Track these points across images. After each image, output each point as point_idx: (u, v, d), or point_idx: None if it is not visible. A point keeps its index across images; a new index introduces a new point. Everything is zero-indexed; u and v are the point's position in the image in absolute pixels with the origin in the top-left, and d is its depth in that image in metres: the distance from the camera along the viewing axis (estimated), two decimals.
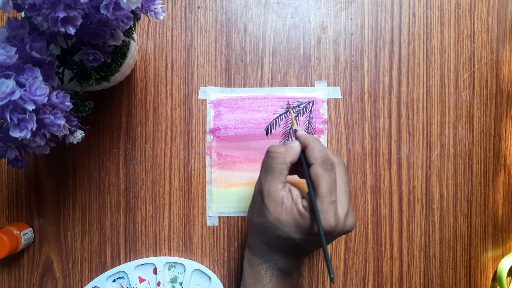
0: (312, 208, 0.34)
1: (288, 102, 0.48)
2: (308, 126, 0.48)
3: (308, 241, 0.36)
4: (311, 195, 0.35)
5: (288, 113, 0.48)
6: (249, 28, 0.48)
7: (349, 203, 0.36)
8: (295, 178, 0.42)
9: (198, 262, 0.47)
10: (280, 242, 0.37)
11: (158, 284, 0.46)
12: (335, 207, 0.34)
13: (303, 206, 0.35)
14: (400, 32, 0.49)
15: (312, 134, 0.48)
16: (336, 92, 0.48)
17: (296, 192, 0.37)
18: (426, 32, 0.49)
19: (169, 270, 0.47)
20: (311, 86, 0.48)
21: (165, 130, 0.47)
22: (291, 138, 0.48)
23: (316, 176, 0.35)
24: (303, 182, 0.42)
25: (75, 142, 0.35)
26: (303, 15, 0.48)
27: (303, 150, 0.38)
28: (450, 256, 0.48)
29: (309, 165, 0.37)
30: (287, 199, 0.36)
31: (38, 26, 0.28)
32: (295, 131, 0.41)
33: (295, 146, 0.38)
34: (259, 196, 0.37)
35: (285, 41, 0.48)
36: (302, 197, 0.36)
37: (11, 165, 0.34)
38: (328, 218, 0.34)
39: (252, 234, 0.40)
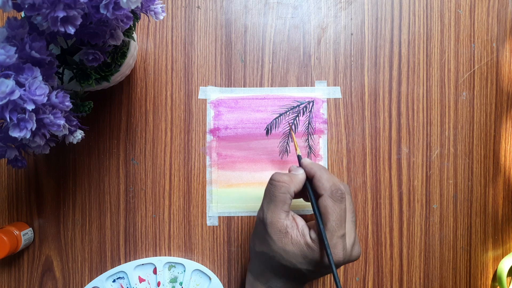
0: (321, 242, 0.34)
1: (289, 124, 0.47)
2: (308, 126, 0.48)
3: (315, 272, 0.35)
4: (320, 229, 0.34)
5: (287, 113, 0.48)
6: (249, 28, 0.48)
7: (355, 233, 0.36)
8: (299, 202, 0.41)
9: (198, 262, 0.47)
10: (285, 270, 0.36)
11: (158, 284, 0.46)
12: (344, 241, 0.34)
13: (311, 238, 0.34)
14: (400, 32, 0.49)
15: (312, 134, 0.48)
16: (336, 92, 0.48)
17: (301, 222, 0.36)
18: (426, 32, 0.49)
19: (169, 270, 0.47)
20: (311, 86, 0.48)
21: (165, 130, 0.47)
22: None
23: (325, 208, 0.34)
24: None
25: (75, 142, 0.35)
26: (303, 15, 0.48)
27: (309, 179, 0.37)
28: (450, 256, 0.48)
29: (317, 196, 0.36)
30: (291, 229, 0.35)
31: (37, 26, 0.28)
32: (299, 157, 0.40)
33: (300, 175, 0.37)
34: (262, 225, 0.36)
35: (285, 41, 0.48)
36: (309, 228, 0.35)
37: (11, 165, 0.34)
38: (337, 252, 0.33)
39: (255, 260, 0.40)
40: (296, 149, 0.42)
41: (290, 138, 0.48)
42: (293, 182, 0.36)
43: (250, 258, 0.41)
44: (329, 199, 0.34)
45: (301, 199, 0.41)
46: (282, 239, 0.35)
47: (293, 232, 0.35)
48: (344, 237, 0.34)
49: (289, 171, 0.39)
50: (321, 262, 0.34)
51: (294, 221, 0.36)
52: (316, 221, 0.35)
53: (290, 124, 0.47)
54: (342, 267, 0.48)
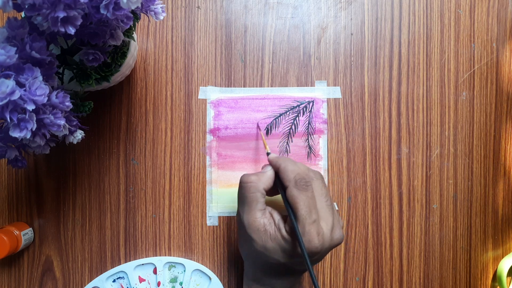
0: (294, 232, 0.34)
1: (257, 124, 0.47)
2: (308, 126, 0.48)
3: (297, 263, 0.36)
4: (291, 219, 0.34)
5: (287, 113, 0.48)
6: (249, 28, 0.48)
7: (333, 216, 0.35)
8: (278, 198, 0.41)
9: (198, 262, 0.47)
10: (272, 267, 0.36)
11: (158, 284, 0.46)
12: (318, 226, 0.34)
13: (286, 230, 0.35)
14: (400, 32, 0.49)
15: (312, 134, 0.48)
16: (336, 92, 0.48)
17: (277, 216, 0.36)
18: (426, 32, 0.49)
19: (169, 270, 0.47)
20: (311, 86, 0.48)
21: (165, 130, 0.47)
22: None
23: (292, 198, 0.34)
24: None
25: (75, 142, 0.35)
26: (303, 15, 0.48)
27: (278, 174, 0.37)
28: (450, 256, 0.48)
29: (284, 188, 0.36)
30: (269, 226, 0.35)
31: (38, 26, 0.28)
32: (267, 154, 0.40)
33: (268, 172, 0.38)
34: (242, 227, 0.37)
35: (285, 41, 0.48)
36: (285, 221, 0.36)
37: (11, 165, 0.34)
38: (311, 239, 0.33)
39: (246, 262, 0.41)
40: (265, 147, 0.43)
41: (289, 138, 0.48)
42: (261, 180, 0.37)
43: (244, 262, 0.42)
44: (294, 189, 0.35)
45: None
46: (262, 237, 0.35)
47: (271, 228, 0.35)
48: (316, 223, 0.34)
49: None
50: (298, 252, 0.34)
51: (271, 218, 0.36)
52: (288, 213, 0.35)
53: (258, 123, 0.47)
54: (342, 267, 0.48)
